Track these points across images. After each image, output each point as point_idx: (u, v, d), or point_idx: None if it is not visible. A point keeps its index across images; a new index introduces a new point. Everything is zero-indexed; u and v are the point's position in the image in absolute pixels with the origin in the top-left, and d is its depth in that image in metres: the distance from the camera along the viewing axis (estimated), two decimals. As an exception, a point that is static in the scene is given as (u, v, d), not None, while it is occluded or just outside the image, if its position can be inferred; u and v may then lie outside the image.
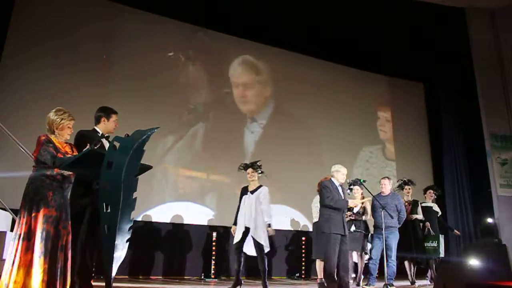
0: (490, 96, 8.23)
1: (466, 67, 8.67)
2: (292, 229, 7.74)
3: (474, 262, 6.56)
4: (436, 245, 6.14)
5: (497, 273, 3.29)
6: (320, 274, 5.07)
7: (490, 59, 8.38)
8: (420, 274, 6.62)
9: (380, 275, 5.50)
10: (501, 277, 3.20)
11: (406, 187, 6.13)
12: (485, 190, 8.17)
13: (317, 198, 5.33)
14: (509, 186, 7.79)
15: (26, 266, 2.73)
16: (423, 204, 6.57)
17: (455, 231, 7.26)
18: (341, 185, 4.87)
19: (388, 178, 5.71)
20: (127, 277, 6.05)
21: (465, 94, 9.18)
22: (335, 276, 4.52)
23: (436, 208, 6.50)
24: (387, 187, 5.59)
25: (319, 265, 5.08)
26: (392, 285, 5.17)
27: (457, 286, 3.03)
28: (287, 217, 7.73)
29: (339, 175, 4.89)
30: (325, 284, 4.81)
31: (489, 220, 7.93)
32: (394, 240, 5.30)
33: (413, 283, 6.01)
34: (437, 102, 10.07)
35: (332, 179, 4.91)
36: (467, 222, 8.95)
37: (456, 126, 9.61)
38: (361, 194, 5.56)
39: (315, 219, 5.25)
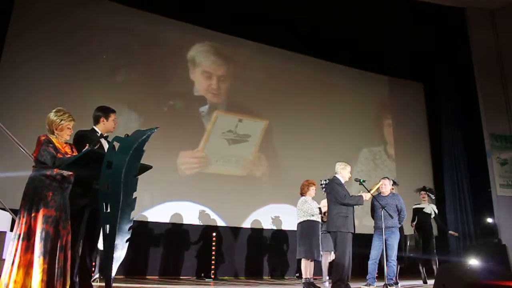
0: (490, 96, 8.24)
1: (466, 67, 8.67)
2: (290, 229, 7.73)
3: (474, 262, 6.57)
4: (413, 244, 6.18)
5: (497, 273, 3.28)
6: (305, 274, 5.04)
7: (490, 59, 8.39)
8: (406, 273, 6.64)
9: (380, 275, 5.50)
10: (501, 277, 3.19)
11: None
12: (485, 190, 8.17)
13: (302, 200, 5.25)
14: (509, 186, 7.80)
15: (26, 266, 2.73)
16: (416, 206, 6.58)
17: (451, 232, 7.24)
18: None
19: (387, 178, 5.70)
20: (122, 277, 6.05)
21: (465, 94, 9.19)
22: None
23: (428, 209, 6.49)
24: (387, 187, 5.59)
25: (305, 265, 5.06)
26: (392, 285, 5.17)
27: (457, 286, 3.03)
28: (285, 216, 7.73)
29: (345, 172, 4.91)
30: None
31: (489, 220, 7.94)
32: (395, 240, 5.30)
33: (396, 283, 6.02)
34: (437, 102, 10.07)
35: (338, 176, 4.90)
36: (467, 222, 8.95)
37: (456, 126, 9.61)
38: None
39: (300, 219, 5.20)
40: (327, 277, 5.57)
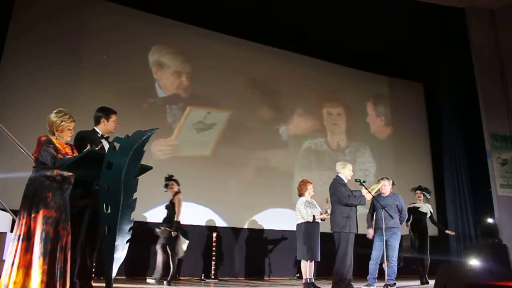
0: (490, 96, 8.24)
1: (466, 67, 8.67)
2: (289, 229, 7.73)
3: (474, 262, 6.56)
4: (408, 244, 6.17)
5: (498, 273, 3.28)
6: (305, 274, 5.05)
7: (490, 59, 8.39)
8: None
9: (380, 275, 5.50)
10: (501, 277, 3.20)
11: None
12: (485, 190, 8.17)
13: (301, 200, 5.23)
14: (509, 186, 7.79)
15: (26, 266, 2.72)
16: (411, 205, 6.56)
17: (447, 231, 7.20)
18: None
19: (387, 178, 5.68)
20: (124, 277, 6.06)
21: (465, 94, 9.19)
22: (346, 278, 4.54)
23: (423, 209, 6.47)
24: (387, 187, 5.58)
25: (304, 265, 5.07)
26: (392, 285, 5.17)
27: (457, 286, 3.03)
28: (284, 217, 7.72)
29: (347, 171, 4.91)
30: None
31: (489, 220, 7.93)
32: (396, 240, 5.30)
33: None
34: (437, 102, 10.07)
35: (341, 176, 4.89)
36: (467, 222, 8.95)
37: (456, 126, 9.61)
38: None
39: (299, 221, 5.20)
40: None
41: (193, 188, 7.17)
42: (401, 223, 5.45)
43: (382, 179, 5.62)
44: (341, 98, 9.41)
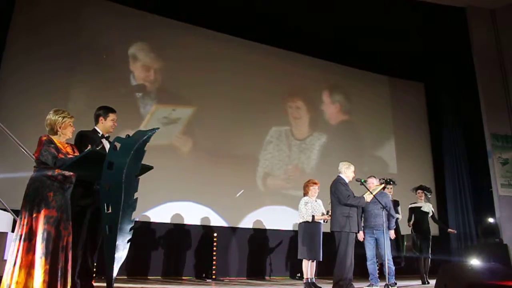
0: (491, 96, 8.24)
1: (467, 67, 8.67)
2: (291, 229, 7.74)
3: (475, 262, 6.56)
4: (410, 244, 6.15)
5: (498, 273, 3.28)
6: (306, 274, 5.05)
7: (491, 59, 8.39)
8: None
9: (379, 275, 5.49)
10: (502, 277, 3.19)
11: (388, 186, 6.02)
12: (486, 190, 8.17)
13: (303, 200, 5.23)
14: (510, 185, 7.79)
15: (27, 266, 2.73)
16: (413, 205, 6.54)
17: (449, 229, 7.18)
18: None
19: (374, 177, 5.61)
20: (125, 277, 6.07)
21: (466, 94, 9.19)
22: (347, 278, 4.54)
23: (426, 208, 6.45)
24: (375, 185, 5.52)
25: (305, 265, 5.07)
26: (393, 285, 5.15)
27: (458, 286, 3.03)
28: (285, 217, 7.73)
29: (349, 172, 4.92)
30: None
31: (491, 220, 7.92)
32: (386, 240, 5.23)
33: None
34: (437, 102, 10.06)
35: (342, 175, 4.90)
36: (468, 222, 8.94)
37: (456, 126, 9.61)
38: None
39: (300, 220, 5.21)
40: None
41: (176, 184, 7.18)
42: (389, 222, 5.30)
43: (369, 177, 5.54)
44: (341, 98, 9.40)
